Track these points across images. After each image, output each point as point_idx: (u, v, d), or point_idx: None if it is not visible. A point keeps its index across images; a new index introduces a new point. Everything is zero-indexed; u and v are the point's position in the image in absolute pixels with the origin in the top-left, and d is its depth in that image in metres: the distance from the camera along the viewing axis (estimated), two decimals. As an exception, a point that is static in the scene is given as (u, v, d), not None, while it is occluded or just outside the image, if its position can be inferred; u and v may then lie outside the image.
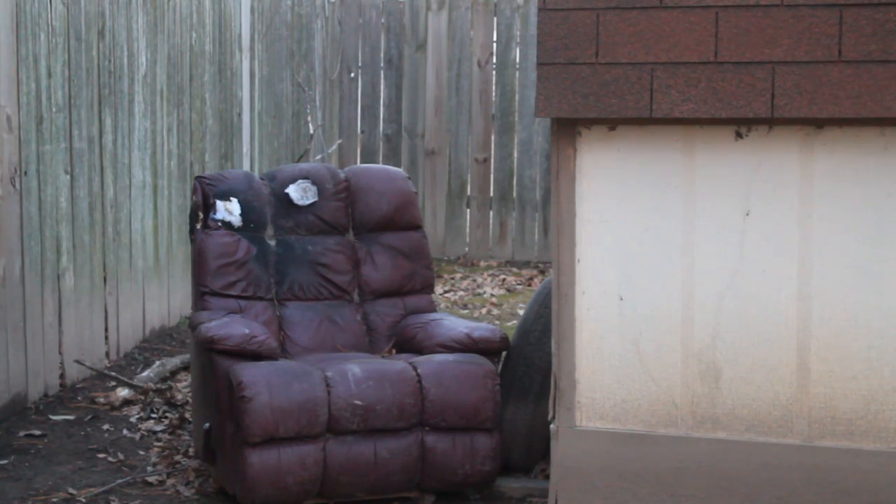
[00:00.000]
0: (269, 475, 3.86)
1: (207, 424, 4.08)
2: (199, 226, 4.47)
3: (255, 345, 4.00)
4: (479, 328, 4.26)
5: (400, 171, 4.87)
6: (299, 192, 4.62)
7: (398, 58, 8.75)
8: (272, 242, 4.53)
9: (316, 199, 4.61)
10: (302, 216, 4.59)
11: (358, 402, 3.92)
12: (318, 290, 4.52)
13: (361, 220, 4.63)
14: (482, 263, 8.40)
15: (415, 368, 4.04)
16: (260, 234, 4.52)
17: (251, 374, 3.89)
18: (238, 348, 3.97)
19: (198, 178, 4.59)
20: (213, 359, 4.00)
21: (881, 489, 3.38)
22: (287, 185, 4.62)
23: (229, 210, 4.49)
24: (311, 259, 4.53)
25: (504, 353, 4.28)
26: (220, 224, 4.45)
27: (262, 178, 4.69)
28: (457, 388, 4.00)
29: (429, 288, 4.68)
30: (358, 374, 3.98)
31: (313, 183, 4.62)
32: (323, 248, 4.57)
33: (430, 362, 4.08)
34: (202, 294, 4.40)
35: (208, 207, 4.48)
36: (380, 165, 5.19)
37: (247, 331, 4.03)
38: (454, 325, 4.33)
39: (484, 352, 4.17)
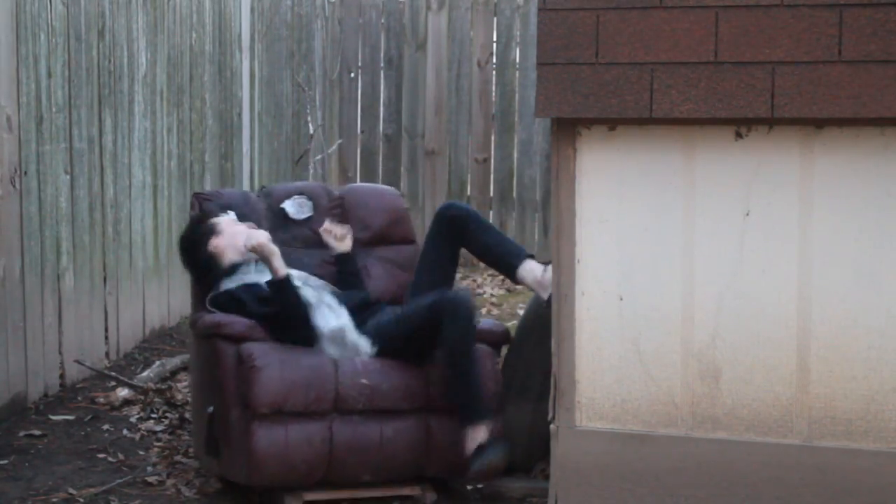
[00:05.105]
0: (276, 453, 3.89)
1: (211, 408, 4.08)
2: None
3: (257, 334, 4.06)
4: (482, 321, 4.28)
5: (392, 189, 4.98)
6: (295, 207, 4.69)
7: (398, 58, 8.75)
8: None
9: (311, 213, 4.68)
10: (298, 229, 4.65)
11: (364, 382, 3.98)
12: None
13: (356, 235, 4.68)
14: (482, 263, 8.39)
15: None
16: None
17: (262, 348, 3.98)
18: (243, 335, 4.03)
19: (195, 194, 4.70)
20: (217, 344, 4.03)
21: (881, 489, 3.37)
22: (283, 201, 4.69)
23: None
24: (307, 272, 4.54)
25: (505, 351, 4.29)
26: None
27: (258, 196, 4.76)
28: None
29: (425, 298, 4.72)
30: (365, 356, 4.09)
31: (308, 198, 4.71)
32: (319, 260, 4.61)
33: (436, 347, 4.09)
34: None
35: None
36: (372, 185, 5.35)
37: (250, 321, 4.09)
38: None
39: (486, 344, 4.19)
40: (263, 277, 4.23)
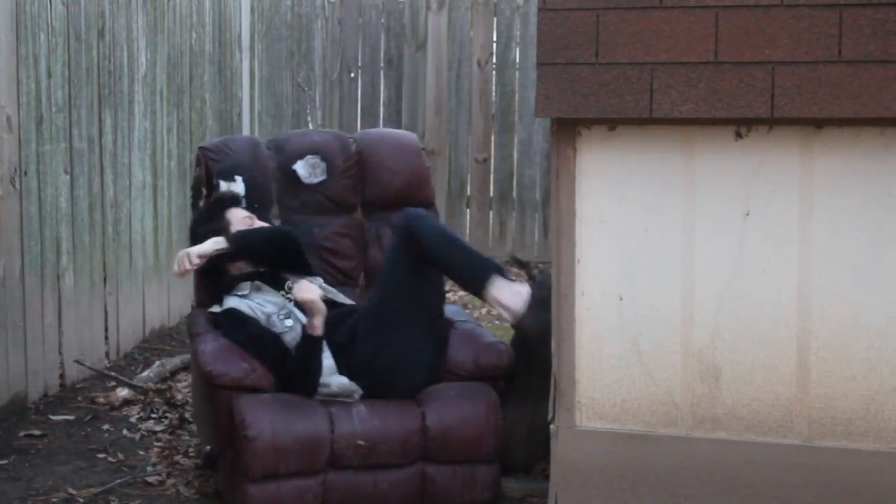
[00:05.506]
0: None
1: (208, 448, 4.04)
2: (201, 202, 4.37)
3: (252, 380, 3.90)
4: (487, 352, 4.13)
5: (413, 140, 4.69)
6: (307, 170, 4.46)
7: (398, 58, 8.75)
8: (277, 223, 4.42)
9: (324, 177, 4.46)
10: (309, 195, 4.45)
11: (361, 443, 3.85)
12: (322, 276, 4.34)
13: (371, 198, 4.51)
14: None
15: (418, 405, 3.99)
16: (264, 214, 4.38)
17: (254, 412, 3.80)
18: (237, 383, 3.88)
19: (201, 148, 4.45)
20: (213, 388, 3.93)
21: (881, 489, 3.37)
22: (295, 160, 4.47)
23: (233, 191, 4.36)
24: (317, 244, 4.42)
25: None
26: None
27: (268, 148, 4.52)
28: (459, 425, 3.94)
29: (439, 271, 4.56)
30: (363, 411, 3.92)
31: (322, 159, 4.47)
32: (329, 231, 4.45)
33: (436, 400, 4.00)
34: (203, 282, 4.32)
35: (211, 186, 4.36)
36: (393, 135, 4.84)
37: (245, 365, 3.91)
38: (463, 341, 4.21)
39: (491, 377, 4.11)
40: (264, 301, 4.14)
